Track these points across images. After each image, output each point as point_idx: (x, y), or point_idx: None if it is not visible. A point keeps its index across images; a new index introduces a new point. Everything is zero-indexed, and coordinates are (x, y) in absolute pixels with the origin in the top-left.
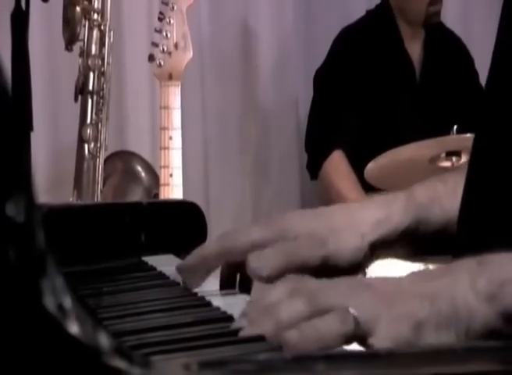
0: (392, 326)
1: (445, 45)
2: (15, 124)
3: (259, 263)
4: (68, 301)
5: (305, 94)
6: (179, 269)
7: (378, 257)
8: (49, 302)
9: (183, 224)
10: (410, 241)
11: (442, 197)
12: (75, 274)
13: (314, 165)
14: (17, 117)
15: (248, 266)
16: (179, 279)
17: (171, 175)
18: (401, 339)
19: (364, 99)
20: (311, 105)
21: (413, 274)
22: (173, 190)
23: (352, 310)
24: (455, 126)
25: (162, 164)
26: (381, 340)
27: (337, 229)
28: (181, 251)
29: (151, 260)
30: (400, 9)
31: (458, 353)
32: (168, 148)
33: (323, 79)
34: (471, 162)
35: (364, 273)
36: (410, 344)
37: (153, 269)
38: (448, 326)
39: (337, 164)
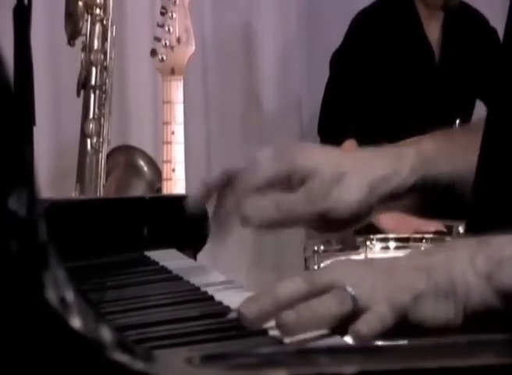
0: (392, 295)
1: (465, 24)
2: (17, 118)
3: (252, 212)
4: (70, 295)
5: (308, 91)
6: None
7: (385, 209)
8: (51, 295)
9: (185, 219)
10: (418, 196)
11: (451, 153)
12: (77, 269)
13: None
14: (20, 111)
15: (241, 212)
16: (181, 273)
17: (173, 170)
18: (400, 306)
19: (380, 83)
20: (326, 89)
21: (411, 252)
22: (176, 184)
23: (350, 288)
24: (457, 121)
25: (165, 159)
26: (379, 304)
27: (346, 173)
28: (183, 245)
29: (154, 255)
30: None
31: (462, 346)
32: (170, 143)
33: (339, 62)
34: (485, 138)
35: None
36: (409, 312)
37: (155, 263)
38: (446, 298)
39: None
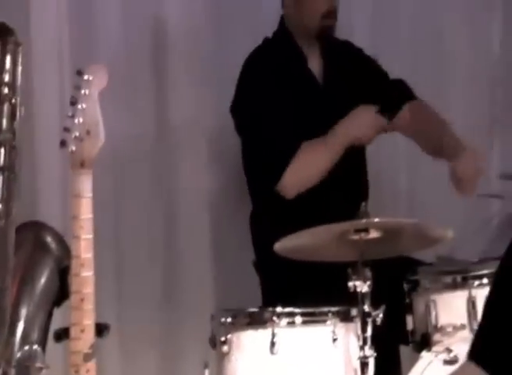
0: None
1: (340, 53)
2: None
3: None
4: None
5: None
6: None
7: None
8: None
9: None
10: None
11: None
12: None
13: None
14: None
15: None
16: None
17: (82, 265)
18: None
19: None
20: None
21: None
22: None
23: None
24: (363, 203)
25: (74, 253)
26: None
27: None
28: None
29: None
30: (296, 25)
31: None
32: (79, 238)
33: (246, 111)
34: None
35: None
36: None
37: None
38: None
39: None
